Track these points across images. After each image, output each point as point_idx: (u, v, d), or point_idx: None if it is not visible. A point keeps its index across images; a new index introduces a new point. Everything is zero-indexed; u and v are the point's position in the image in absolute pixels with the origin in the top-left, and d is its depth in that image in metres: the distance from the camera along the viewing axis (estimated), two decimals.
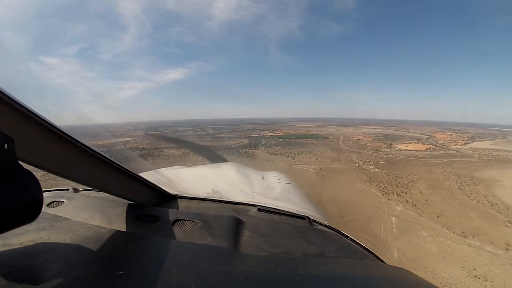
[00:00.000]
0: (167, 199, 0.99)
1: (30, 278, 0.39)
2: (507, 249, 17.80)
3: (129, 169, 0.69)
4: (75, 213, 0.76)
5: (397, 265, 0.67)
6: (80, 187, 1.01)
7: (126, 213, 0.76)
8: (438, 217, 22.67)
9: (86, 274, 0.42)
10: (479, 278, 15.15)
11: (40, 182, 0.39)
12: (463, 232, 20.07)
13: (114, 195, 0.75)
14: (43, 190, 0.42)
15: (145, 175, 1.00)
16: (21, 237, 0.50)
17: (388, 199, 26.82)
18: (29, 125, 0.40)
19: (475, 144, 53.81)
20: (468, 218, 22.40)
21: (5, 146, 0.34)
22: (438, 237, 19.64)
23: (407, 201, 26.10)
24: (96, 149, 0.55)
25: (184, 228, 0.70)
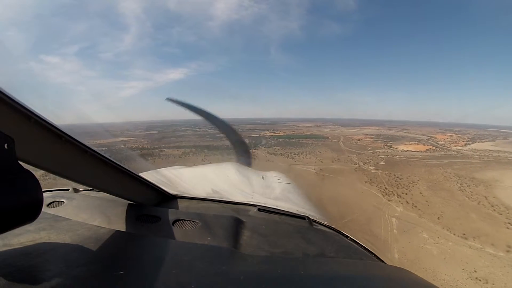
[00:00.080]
0: (167, 199, 0.99)
1: (30, 278, 0.39)
2: (508, 251, 17.75)
3: (129, 169, 0.69)
4: (75, 213, 0.75)
5: (397, 265, 0.66)
6: (80, 187, 1.00)
7: (126, 213, 0.76)
8: (438, 218, 22.64)
9: (86, 274, 0.42)
10: (480, 280, 15.13)
11: (40, 182, 0.39)
12: (464, 234, 20.05)
13: (114, 195, 0.75)
14: (43, 190, 0.42)
15: (145, 175, 0.99)
16: (21, 237, 0.50)
17: (389, 200, 26.83)
18: (29, 125, 0.40)
19: (475, 145, 53.81)
20: (468, 219, 22.38)
21: (5, 146, 0.34)
22: (439, 238, 19.61)
23: (407, 202, 26.09)
24: (96, 149, 0.54)
25: (184, 228, 0.70)
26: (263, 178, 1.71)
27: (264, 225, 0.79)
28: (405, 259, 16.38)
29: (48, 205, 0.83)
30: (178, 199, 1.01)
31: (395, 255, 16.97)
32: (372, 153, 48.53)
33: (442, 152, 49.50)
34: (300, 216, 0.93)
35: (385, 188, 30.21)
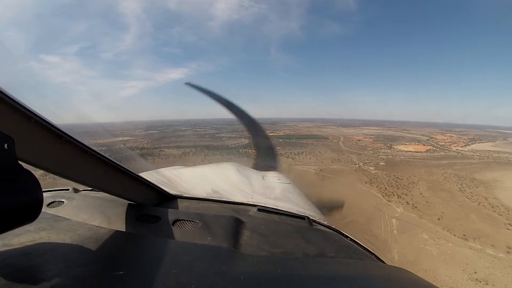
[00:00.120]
0: (167, 199, 0.98)
1: (30, 278, 0.39)
2: (508, 252, 17.72)
3: (129, 169, 0.68)
4: (75, 213, 0.75)
5: (397, 266, 0.66)
6: (80, 187, 0.99)
7: (126, 213, 0.75)
8: (438, 219, 22.60)
9: (86, 274, 0.42)
10: (480, 281, 15.10)
11: (40, 182, 0.39)
12: (464, 235, 20.00)
13: (114, 195, 0.74)
14: (43, 190, 0.42)
15: (145, 175, 0.99)
16: (21, 237, 0.50)
17: (389, 201, 26.77)
18: (29, 125, 0.40)
19: (475, 146, 53.78)
20: (469, 220, 22.34)
21: (5, 146, 0.34)
22: (439, 239, 19.57)
23: (407, 203, 26.05)
24: (96, 149, 0.54)
25: (184, 228, 0.70)
26: (263, 178, 1.70)
27: (264, 225, 0.79)
28: (405, 260, 16.39)
29: (48, 205, 0.82)
30: (178, 199, 1.00)
31: (395, 256, 16.98)
32: (372, 153, 48.53)
33: (442, 153, 49.50)
34: (300, 216, 0.93)
35: (385, 188, 30.20)
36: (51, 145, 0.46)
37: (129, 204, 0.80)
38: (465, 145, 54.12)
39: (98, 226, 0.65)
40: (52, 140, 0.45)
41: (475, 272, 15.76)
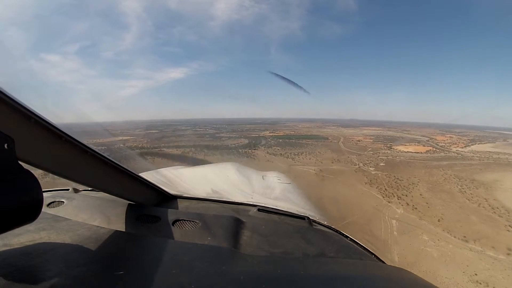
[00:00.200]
0: (167, 199, 0.98)
1: (30, 278, 0.39)
2: (508, 254, 17.70)
3: (129, 169, 0.69)
4: (75, 213, 0.75)
5: (397, 266, 0.66)
6: (80, 187, 0.99)
7: (126, 213, 0.75)
8: (439, 220, 22.60)
9: (86, 274, 0.42)
10: (480, 283, 15.07)
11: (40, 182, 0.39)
12: (464, 236, 19.99)
13: (114, 195, 0.74)
14: (43, 190, 0.42)
15: (145, 175, 0.97)
16: (21, 237, 0.51)
17: (389, 202, 26.80)
18: (29, 125, 0.40)
19: (475, 147, 53.91)
20: (469, 222, 22.36)
21: (5, 146, 0.34)
22: (439, 241, 19.56)
23: (407, 204, 26.05)
24: (96, 149, 0.55)
25: (184, 228, 0.70)
26: (263, 178, 1.70)
27: (264, 225, 0.79)
28: (406, 262, 16.38)
29: (48, 205, 0.82)
30: (178, 199, 1.00)
31: (395, 258, 16.96)
32: (372, 154, 48.68)
33: (442, 154, 49.67)
34: (300, 216, 0.92)
35: (385, 189, 30.24)
36: (51, 145, 0.46)
37: (129, 204, 0.80)
38: (465, 146, 54.27)
39: (98, 226, 0.65)
40: (52, 140, 0.45)
41: (476, 274, 15.74)
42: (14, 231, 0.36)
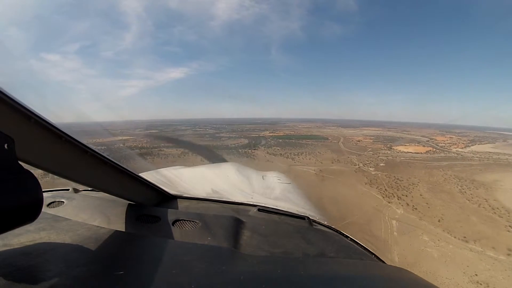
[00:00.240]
0: (167, 199, 0.98)
1: (30, 278, 0.39)
2: (508, 254, 17.68)
3: (129, 169, 0.69)
4: (75, 213, 0.75)
5: (397, 265, 0.66)
6: (80, 187, 0.99)
7: (126, 213, 0.75)
8: (439, 221, 22.58)
9: (86, 274, 0.42)
10: (481, 284, 15.05)
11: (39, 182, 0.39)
12: (465, 237, 19.97)
13: (114, 195, 0.74)
14: (43, 190, 0.42)
15: (145, 175, 0.98)
16: (21, 237, 0.51)
17: (389, 202, 26.75)
18: (29, 125, 0.40)
19: (475, 147, 53.93)
20: (469, 222, 22.32)
21: (5, 146, 0.34)
22: (439, 241, 19.54)
23: (407, 204, 26.02)
24: (96, 149, 0.55)
25: (184, 228, 0.70)
26: (263, 178, 1.70)
27: (264, 225, 0.79)
28: (406, 262, 16.36)
29: (48, 205, 0.82)
30: (178, 199, 1.00)
31: (395, 258, 16.93)
32: (372, 154, 48.64)
33: (442, 154, 49.62)
34: (300, 216, 0.92)
35: (385, 189, 30.18)
36: (51, 145, 0.46)
37: (129, 204, 0.80)
38: (465, 147, 54.25)
39: (98, 226, 0.65)
40: (52, 140, 0.45)
41: (476, 275, 15.73)
42: (14, 231, 0.36)
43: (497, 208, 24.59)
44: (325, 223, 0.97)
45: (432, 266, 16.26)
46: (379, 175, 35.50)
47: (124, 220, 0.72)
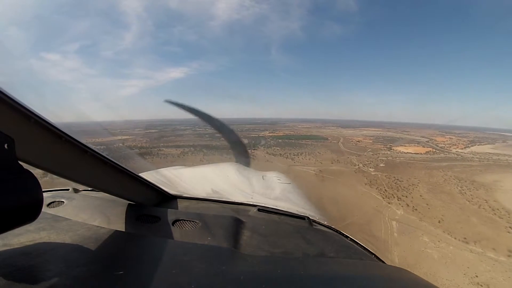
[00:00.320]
0: (167, 199, 0.98)
1: (30, 278, 0.39)
2: (509, 256, 17.67)
3: (129, 169, 0.69)
4: (75, 213, 0.75)
5: (397, 265, 0.66)
6: (80, 187, 0.99)
7: (126, 213, 0.75)
8: (439, 222, 22.57)
9: (86, 274, 0.42)
10: (481, 285, 15.03)
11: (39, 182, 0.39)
12: (465, 238, 19.94)
13: (114, 195, 0.74)
14: (43, 190, 0.43)
15: (145, 175, 0.98)
16: (21, 237, 0.51)
17: (389, 203, 26.75)
18: (29, 125, 0.40)
19: (475, 148, 54.05)
20: (469, 223, 22.33)
21: (5, 146, 0.34)
22: (440, 242, 19.52)
23: (407, 205, 26.00)
24: (96, 149, 0.55)
25: (184, 228, 0.70)
26: (263, 178, 1.70)
27: (264, 225, 0.79)
28: (406, 263, 16.31)
29: (48, 205, 0.82)
30: (178, 199, 1.00)
31: (395, 259, 16.88)
32: (372, 154, 48.75)
33: (442, 155, 49.76)
34: (300, 216, 0.92)
35: (385, 190, 30.18)
36: (51, 145, 0.46)
37: (129, 204, 0.80)
38: (464, 147, 54.32)
39: (98, 226, 0.65)
40: (52, 140, 0.45)
41: (476, 276, 15.71)
42: (14, 231, 0.36)
43: (497, 209, 24.56)
44: (325, 223, 0.97)
45: (433, 267, 16.24)
46: (379, 175, 35.49)
47: (124, 220, 0.72)
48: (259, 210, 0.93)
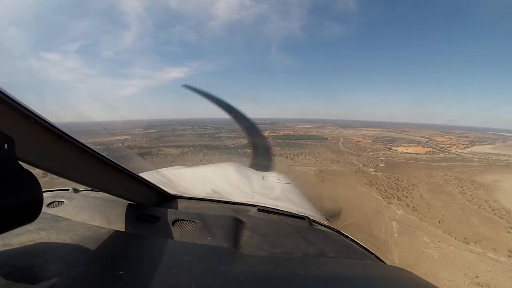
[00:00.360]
0: (167, 199, 0.98)
1: (30, 278, 0.39)
2: (509, 256, 17.63)
3: (129, 169, 0.69)
4: (75, 213, 0.75)
5: (397, 266, 0.66)
6: (80, 187, 0.99)
7: (126, 213, 0.75)
8: (439, 222, 22.54)
9: (86, 274, 0.42)
10: (482, 286, 14.98)
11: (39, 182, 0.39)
12: (465, 238, 19.91)
13: (114, 195, 0.74)
14: (43, 190, 0.42)
15: (145, 175, 0.98)
16: (21, 237, 0.51)
17: (389, 203, 26.75)
18: (29, 125, 0.40)
19: (475, 148, 54.02)
20: (469, 223, 22.29)
21: (5, 146, 0.34)
22: (440, 242, 19.47)
23: (407, 205, 25.99)
24: (96, 149, 0.55)
25: (184, 229, 0.70)
26: (263, 178, 1.70)
27: (264, 225, 0.79)
28: (406, 263, 16.26)
29: (48, 205, 0.82)
30: (178, 199, 1.00)
31: (396, 259, 16.85)
32: (372, 154, 48.74)
33: (442, 155, 49.74)
34: (300, 216, 0.92)
35: (385, 190, 30.20)
36: (51, 145, 0.46)
37: (129, 204, 0.80)
38: (464, 147, 54.26)
39: (98, 226, 0.65)
40: (52, 140, 0.45)
41: (477, 276, 15.66)
42: (14, 231, 0.36)
43: (497, 209, 24.52)
44: (325, 223, 0.97)
45: (433, 268, 16.20)
46: (379, 175, 35.49)
47: (124, 220, 0.72)
48: (259, 210, 0.93)
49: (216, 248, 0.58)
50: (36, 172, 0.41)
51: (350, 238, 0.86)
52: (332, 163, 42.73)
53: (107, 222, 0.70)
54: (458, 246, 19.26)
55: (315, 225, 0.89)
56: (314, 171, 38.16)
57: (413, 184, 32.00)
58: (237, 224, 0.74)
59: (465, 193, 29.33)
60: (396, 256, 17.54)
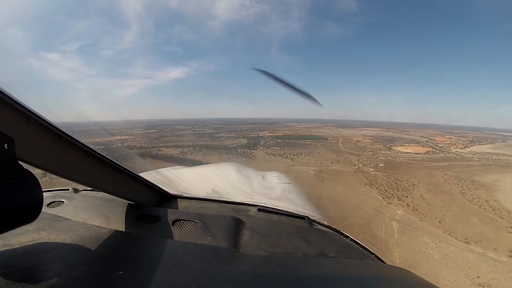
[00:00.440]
0: (167, 199, 0.99)
1: (30, 278, 0.39)
2: (510, 256, 17.61)
3: (129, 169, 0.69)
4: (75, 213, 0.75)
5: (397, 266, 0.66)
6: (80, 187, 1.00)
7: (126, 213, 0.76)
8: (440, 222, 22.55)
9: (86, 274, 0.43)
10: (483, 286, 14.98)
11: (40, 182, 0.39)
12: (466, 238, 19.91)
13: (114, 195, 0.75)
14: (43, 190, 0.43)
15: (145, 175, 0.98)
16: (21, 237, 0.51)
17: (389, 203, 26.74)
18: (29, 125, 0.40)
19: (474, 148, 54.10)
20: (470, 223, 22.31)
21: (5, 146, 0.35)
22: (441, 243, 19.50)
23: (408, 205, 25.99)
24: (96, 149, 0.55)
25: (184, 228, 0.70)
26: (263, 178, 1.70)
27: (264, 225, 0.79)
28: (407, 264, 16.25)
29: (48, 205, 0.82)
30: (178, 199, 1.01)
31: (396, 260, 16.81)
32: (372, 154, 48.74)
33: (442, 155, 49.81)
34: (300, 216, 0.93)
35: (385, 190, 30.16)
36: (51, 145, 0.46)
37: (129, 204, 0.80)
38: (464, 147, 54.35)
39: (98, 226, 0.65)
40: (52, 140, 0.46)
41: (478, 277, 15.65)
42: (14, 231, 0.36)
43: (498, 209, 24.52)
44: (325, 223, 0.97)
45: (434, 268, 16.20)
46: (379, 175, 35.47)
47: (124, 220, 0.71)
48: (259, 210, 0.93)
49: (216, 248, 0.58)
50: (36, 172, 0.41)
51: (350, 238, 0.86)
52: (332, 163, 42.74)
53: (107, 222, 0.70)
54: (459, 246, 19.24)
55: (315, 225, 0.89)
56: (314, 171, 38.16)
57: (413, 184, 31.98)
58: (237, 224, 0.73)
59: (465, 193, 29.29)
60: (396, 256, 17.54)
